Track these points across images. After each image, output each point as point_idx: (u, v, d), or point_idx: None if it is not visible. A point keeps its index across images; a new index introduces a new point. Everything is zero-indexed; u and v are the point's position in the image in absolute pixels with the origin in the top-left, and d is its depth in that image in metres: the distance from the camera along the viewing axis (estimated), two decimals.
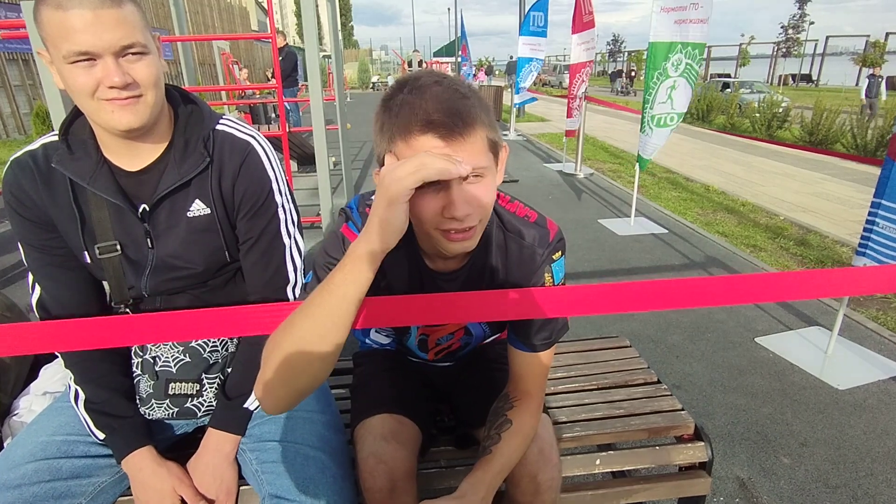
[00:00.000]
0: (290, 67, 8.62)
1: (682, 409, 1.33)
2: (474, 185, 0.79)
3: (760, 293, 0.76)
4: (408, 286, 0.99)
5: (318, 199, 4.15)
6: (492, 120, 0.81)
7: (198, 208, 1.02)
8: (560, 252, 0.98)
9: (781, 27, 40.60)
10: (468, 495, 0.88)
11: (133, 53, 0.86)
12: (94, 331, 0.82)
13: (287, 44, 8.97)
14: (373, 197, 0.97)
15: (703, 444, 1.24)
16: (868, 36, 28.89)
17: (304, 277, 1.15)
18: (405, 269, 0.98)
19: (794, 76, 30.90)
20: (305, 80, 9.64)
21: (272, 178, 1.06)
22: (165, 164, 1.00)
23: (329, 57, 7.42)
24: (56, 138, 0.98)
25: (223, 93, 9.62)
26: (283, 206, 1.08)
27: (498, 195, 0.99)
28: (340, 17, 5.61)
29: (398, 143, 0.78)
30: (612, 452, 1.23)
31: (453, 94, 0.76)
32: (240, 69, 10.85)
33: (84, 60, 0.83)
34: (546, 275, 0.97)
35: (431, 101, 0.75)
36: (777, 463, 1.88)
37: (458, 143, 0.75)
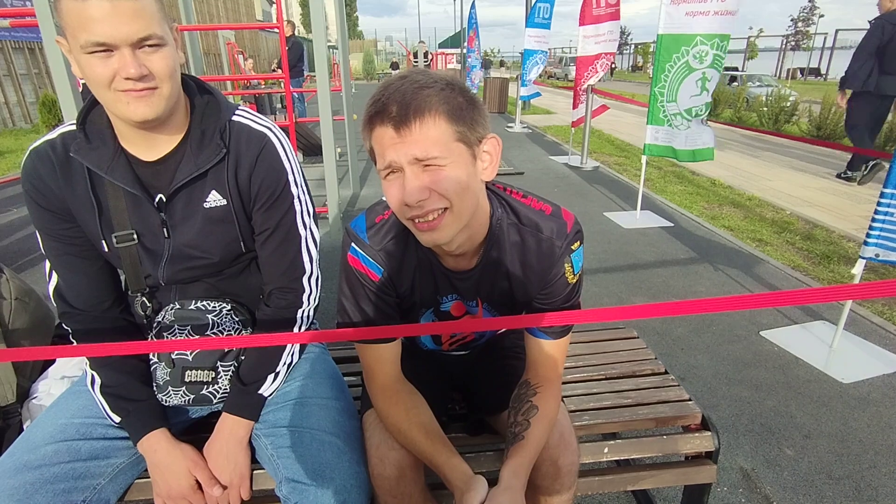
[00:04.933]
0: (295, 58, 8.60)
1: (690, 400, 1.34)
2: (430, 172, 0.82)
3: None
4: (424, 287, 1.02)
5: (325, 190, 4.16)
6: (462, 111, 0.83)
7: (214, 199, 1.03)
8: (578, 242, 0.99)
9: (791, 20, 40.18)
10: (514, 485, 0.89)
11: (149, 45, 0.87)
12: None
13: (293, 34, 8.94)
14: (384, 203, 1.00)
15: (709, 433, 1.26)
16: None
17: (319, 269, 1.17)
18: (421, 269, 1.00)
19: (802, 70, 30.55)
20: (310, 70, 9.61)
21: (288, 169, 1.07)
22: (182, 154, 1.01)
23: (335, 47, 7.39)
24: (74, 128, 0.99)
25: (228, 83, 9.62)
26: (298, 197, 1.09)
27: (510, 191, 1.01)
28: (345, 6, 5.59)
29: (368, 138, 0.86)
30: (619, 441, 1.24)
31: (410, 85, 0.81)
32: (245, 59, 10.82)
33: (101, 51, 0.84)
34: (566, 265, 0.98)
35: (389, 94, 0.81)
36: (781, 454, 1.90)
37: (405, 132, 0.80)
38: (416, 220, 0.85)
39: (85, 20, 0.82)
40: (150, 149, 1.00)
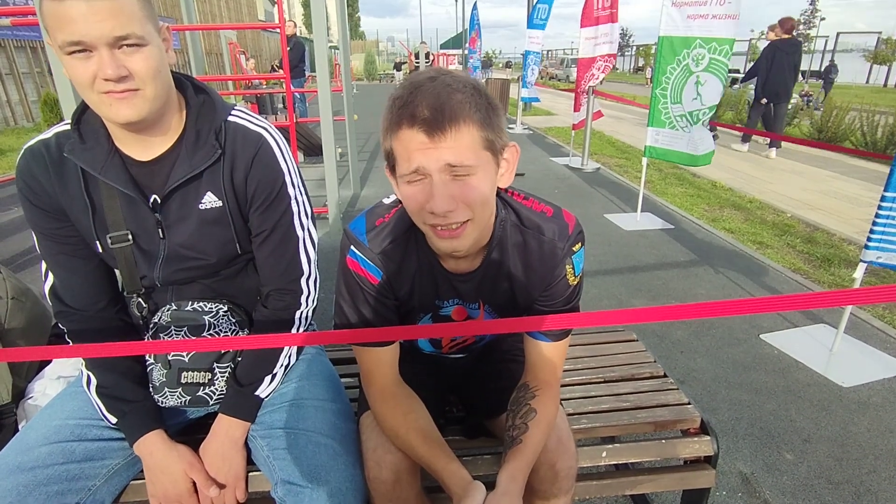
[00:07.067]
0: (297, 58, 8.59)
1: (689, 403, 1.33)
2: (459, 181, 0.79)
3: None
4: (424, 291, 1.01)
5: (325, 190, 4.16)
6: (490, 118, 0.81)
7: (209, 200, 1.02)
8: (580, 243, 0.98)
9: None
10: (511, 489, 0.89)
11: (128, 45, 0.85)
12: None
13: (295, 34, 8.94)
14: (385, 205, 0.99)
15: (708, 438, 1.25)
16: (880, 33, 28.51)
17: (318, 271, 1.16)
18: (422, 273, 0.99)
19: (804, 73, 30.51)
20: (312, 70, 9.61)
21: (285, 170, 1.06)
22: (177, 154, 1.00)
23: (336, 48, 7.39)
24: (69, 127, 0.98)
25: (230, 83, 9.62)
26: (295, 198, 1.08)
27: (512, 193, 1.00)
28: (347, 7, 5.59)
29: (390, 139, 0.81)
30: (618, 445, 1.24)
31: (443, 89, 0.78)
32: (246, 59, 10.83)
33: (79, 51, 0.83)
34: (567, 266, 0.97)
35: (421, 96, 0.77)
36: (780, 458, 1.89)
37: (439, 138, 0.77)
38: (438, 228, 0.83)
39: (61, 20, 0.81)
40: (145, 149, 0.99)
